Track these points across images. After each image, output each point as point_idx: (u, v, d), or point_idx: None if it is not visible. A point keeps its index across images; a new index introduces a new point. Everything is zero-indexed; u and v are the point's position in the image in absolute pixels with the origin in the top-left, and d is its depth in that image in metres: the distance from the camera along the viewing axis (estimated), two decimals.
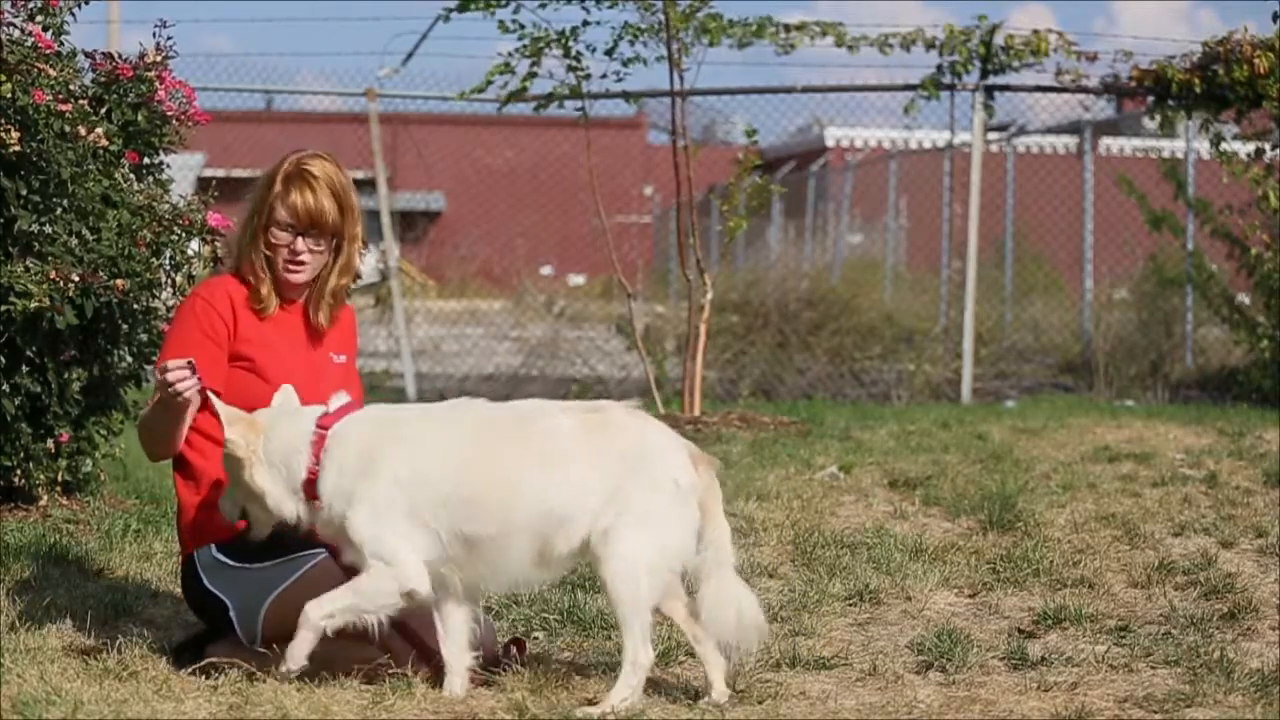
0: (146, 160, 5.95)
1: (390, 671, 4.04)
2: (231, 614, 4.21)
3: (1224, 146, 11.22)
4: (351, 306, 4.58)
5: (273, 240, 4.32)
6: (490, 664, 4.18)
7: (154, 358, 5.83)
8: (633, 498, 3.88)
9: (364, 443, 3.97)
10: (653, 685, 4.09)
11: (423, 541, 3.92)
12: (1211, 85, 11.00)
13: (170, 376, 4.07)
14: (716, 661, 4.01)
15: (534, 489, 3.90)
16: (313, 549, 4.23)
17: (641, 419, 4.06)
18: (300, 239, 4.32)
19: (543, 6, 9.56)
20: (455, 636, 4.02)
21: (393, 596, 3.94)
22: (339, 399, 4.10)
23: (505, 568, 3.94)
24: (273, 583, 4.18)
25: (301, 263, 4.34)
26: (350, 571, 4.07)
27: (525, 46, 9.65)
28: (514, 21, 9.58)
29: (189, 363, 4.10)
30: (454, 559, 3.93)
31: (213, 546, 4.27)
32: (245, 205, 4.41)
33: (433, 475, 3.92)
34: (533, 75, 9.90)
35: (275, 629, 4.13)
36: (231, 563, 4.23)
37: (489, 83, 10.03)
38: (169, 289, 5.90)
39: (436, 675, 4.05)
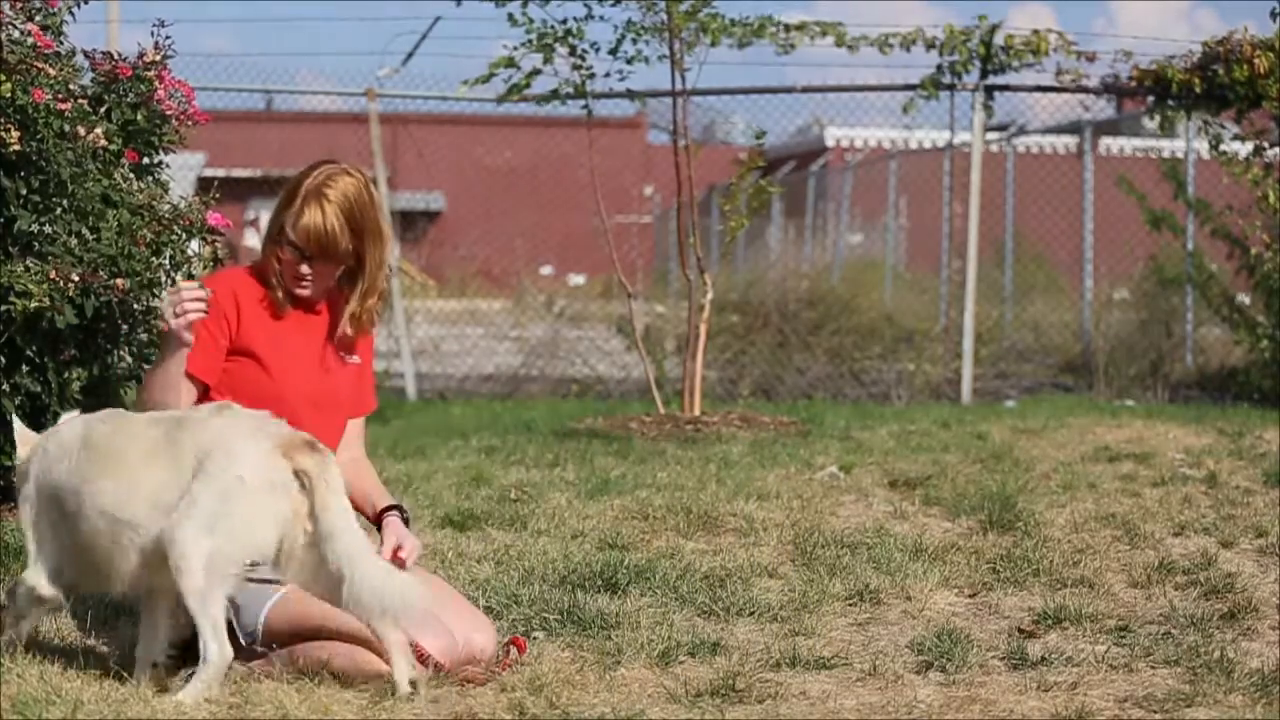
0: (146, 160, 5.94)
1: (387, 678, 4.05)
2: (231, 616, 4.20)
3: (1223, 147, 11.23)
4: None
5: (280, 256, 4.33)
6: (490, 664, 4.19)
7: (153, 358, 5.83)
8: (196, 497, 3.81)
9: (25, 458, 4.11)
10: (652, 685, 4.09)
11: (47, 547, 4.01)
12: (1211, 85, 11.00)
13: (185, 295, 4.11)
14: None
15: (103, 497, 3.89)
16: None
17: (223, 416, 3.95)
18: (305, 264, 4.33)
19: (547, 1, 9.56)
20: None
21: (27, 596, 4.03)
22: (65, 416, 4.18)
23: (114, 573, 3.92)
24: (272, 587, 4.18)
25: (306, 285, 4.36)
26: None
27: (531, 43, 9.65)
28: (523, 15, 9.57)
29: (201, 284, 4.15)
30: (70, 563, 3.99)
31: None
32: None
33: (43, 487, 4.01)
34: (536, 72, 9.90)
35: (275, 631, 4.14)
36: None
37: (492, 74, 10.02)
38: (169, 289, 5.89)
39: (434, 675, 4.05)
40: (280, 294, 4.37)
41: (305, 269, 4.33)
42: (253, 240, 18.44)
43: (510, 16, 9.57)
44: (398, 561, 4.16)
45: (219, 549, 3.78)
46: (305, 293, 4.37)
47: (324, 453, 3.91)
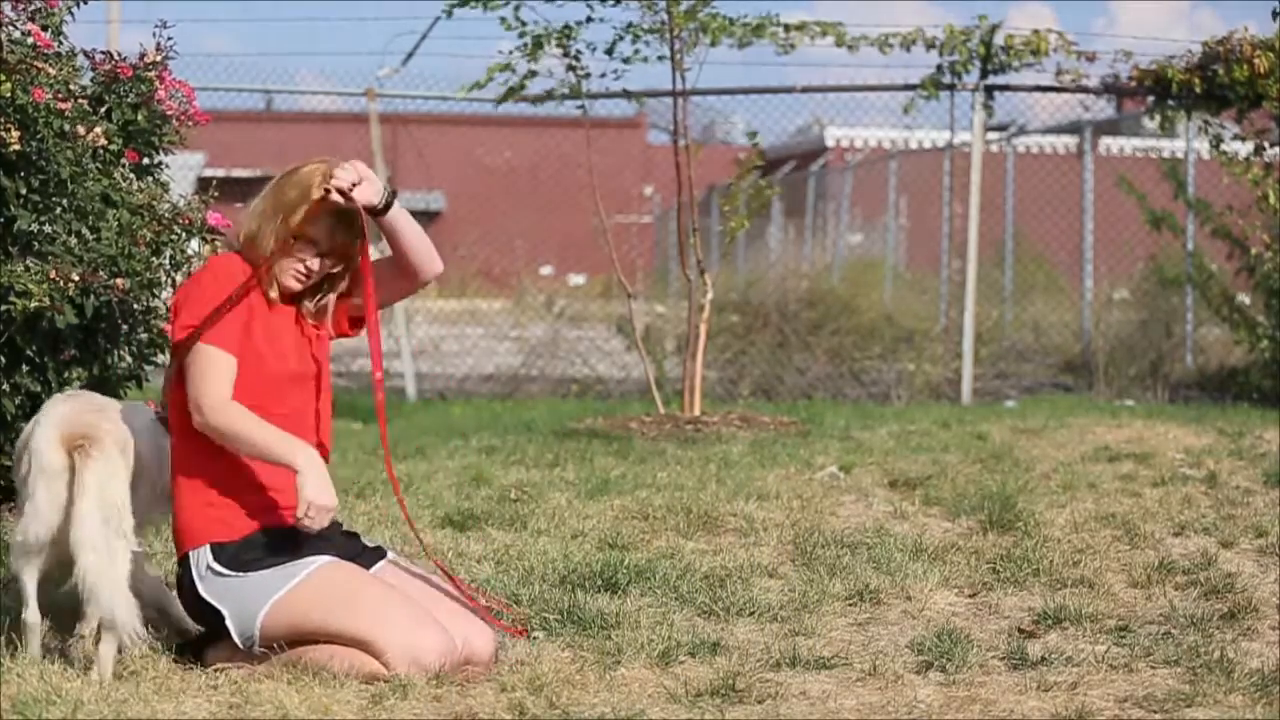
0: (146, 160, 5.94)
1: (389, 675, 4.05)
2: (228, 622, 4.20)
3: (1223, 147, 11.23)
4: None
5: (295, 253, 4.32)
6: (489, 664, 4.19)
7: (153, 357, 5.84)
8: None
9: None
10: (652, 685, 4.10)
11: None
12: (1211, 85, 11.00)
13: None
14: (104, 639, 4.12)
15: None
16: (312, 557, 4.24)
17: (55, 401, 4.32)
18: (320, 259, 4.34)
19: (548, 0, 9.56)
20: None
21: None
22: None
23: None
24: (269, 591, 4.18)
25: (312, 278, 4.37)
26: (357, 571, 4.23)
27: (525, 45, 9.64)
28: (516, 18, 9.56)
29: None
30: None
31: (209, 553, 4.26)
32: (269, 200, 4.36)
33: None
34: (533, 74, 9.90)
35: (272, 634, 4.15)
36: (228, 572, 4.22)
37: (490, 79, 10.02)
38: (169, 289, 5.89)
39: (434, 676, 4.06)
40: (274, 291, 4.37)
41: (316, 265, 4.34)
42: None
43: (502, 20, 9.56)
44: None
45: (23, 530, 4.12)
46: (302, 286, 4.38)
47: (89, 451, 4.11)
